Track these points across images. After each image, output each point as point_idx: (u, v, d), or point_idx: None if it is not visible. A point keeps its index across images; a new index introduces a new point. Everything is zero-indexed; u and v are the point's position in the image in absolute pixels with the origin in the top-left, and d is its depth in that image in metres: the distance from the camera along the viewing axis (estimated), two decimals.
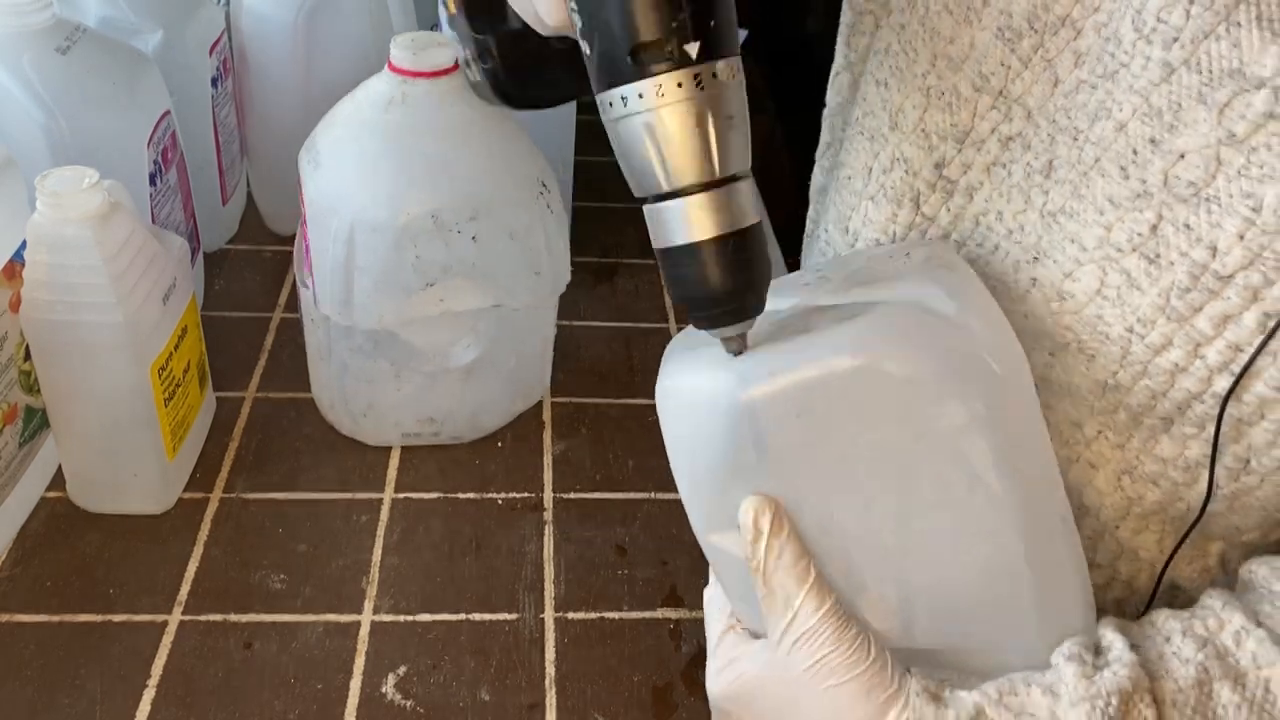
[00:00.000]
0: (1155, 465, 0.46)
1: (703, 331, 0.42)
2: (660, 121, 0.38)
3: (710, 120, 0.38)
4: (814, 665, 0.42)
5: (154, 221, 0.75)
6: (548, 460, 0.77)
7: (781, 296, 0.46)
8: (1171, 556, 0.50)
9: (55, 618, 0.62)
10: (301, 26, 0.84)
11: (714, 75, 0.38)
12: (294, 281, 0.90)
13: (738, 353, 0.42)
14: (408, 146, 0.65)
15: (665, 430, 0.45)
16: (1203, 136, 0.39)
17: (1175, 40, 0.39)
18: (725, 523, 0.44)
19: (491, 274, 0.69)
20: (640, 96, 0.38)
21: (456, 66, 0.66)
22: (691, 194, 0.39)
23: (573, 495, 0.74)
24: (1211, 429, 0.43)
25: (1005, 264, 0.48)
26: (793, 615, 0.43)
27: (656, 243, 0.41)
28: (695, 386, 0.43)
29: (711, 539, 0.45)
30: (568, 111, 0.97)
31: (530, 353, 0.78)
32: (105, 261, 0.59)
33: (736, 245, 0.39)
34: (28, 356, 0.63)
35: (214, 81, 0.85)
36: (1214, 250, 0.39)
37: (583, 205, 0.98)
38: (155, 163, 0.74)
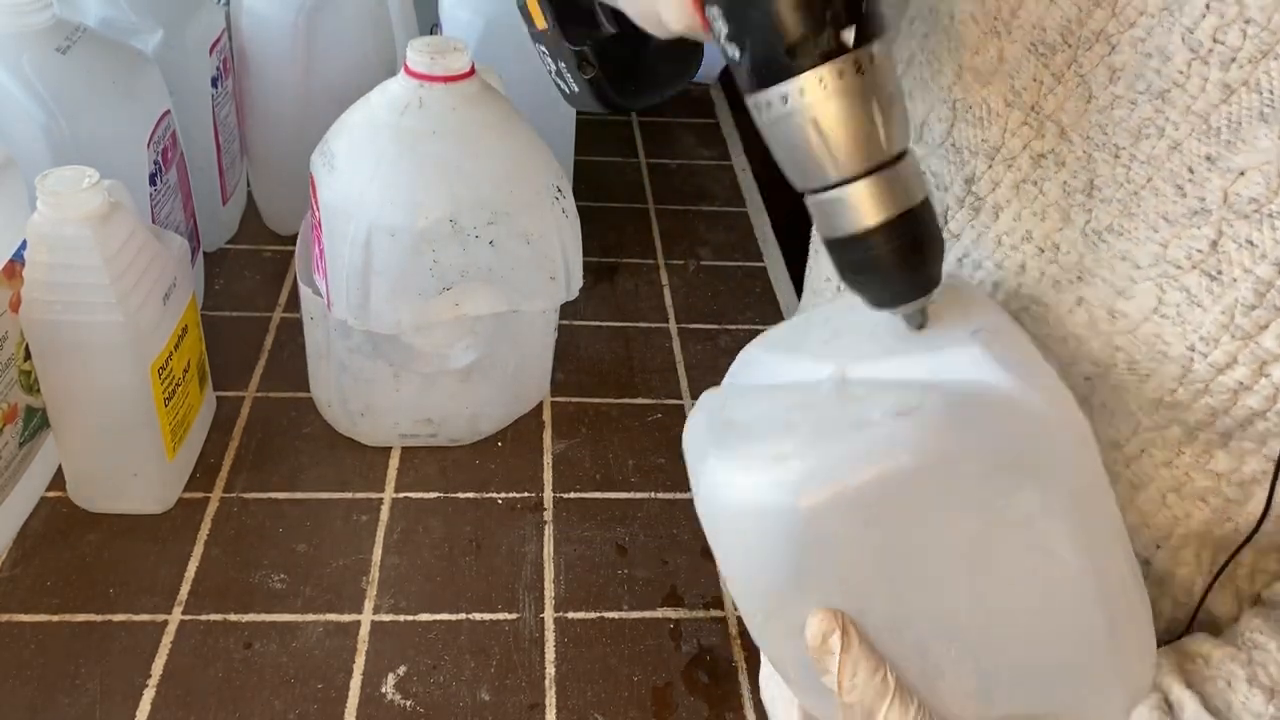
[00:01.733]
0: (1208, 480, 0.45)
1: (718, 403, 0.42)
2: (826, 114, 0.37)
3: (875, 103, 0.37)
4: None
5: (154, 221, 0.75)
6: (548, 460, 0.77)
7: (801, 356, 0.44)
8: (1215, 578, 0.49)
9: (55, 617, 0.62)
10: (301, 26, 0.84)
11: (871, 59, 0.36)
12: (294, 281, 0.90)
13: (920, 326, 0.41)
14: (425, 150, 0.65)
15: (712, 538, 0.42)
16: (1263, 153, 0.38)
17: (1233, 60, 0.38)
18: (790, 631, 0.41)
19: (508, 278, 0.69)
20: (802, 93, 0.37)
21: (473, 71, 0.66)
22: (858, 180, 0.38)
23: (573, 495, 0.74)
24: (1273, 444, 0.42)
25: (1041, 284, 0.47)
26: None
27: (825, 233, 0.40)
28: (744, 494, 0.39)
29: (776, 648, 0.43)
30: (567, 112, 0.97)
31: (530, 356, 0.78)
32: (105, 261, 0.59)
33: (910, 224, 0.38)
34: (28, 356, 0.63)
35: (214, 81, 0.85)
36: (1279, 267, 0.39)
37: (583, 205, 0.97)
38: (155, 163, 0.74)
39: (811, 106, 0.37)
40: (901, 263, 0.39)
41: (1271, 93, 0.38)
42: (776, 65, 0.37)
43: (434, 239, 0.65)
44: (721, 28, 0.38)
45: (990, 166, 0.48)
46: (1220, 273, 0.40)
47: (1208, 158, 0.40)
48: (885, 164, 0.38)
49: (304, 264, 0.73)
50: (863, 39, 0.36)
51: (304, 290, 0.71)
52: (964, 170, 0.49)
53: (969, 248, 0.50)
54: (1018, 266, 0.48)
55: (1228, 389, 0.42)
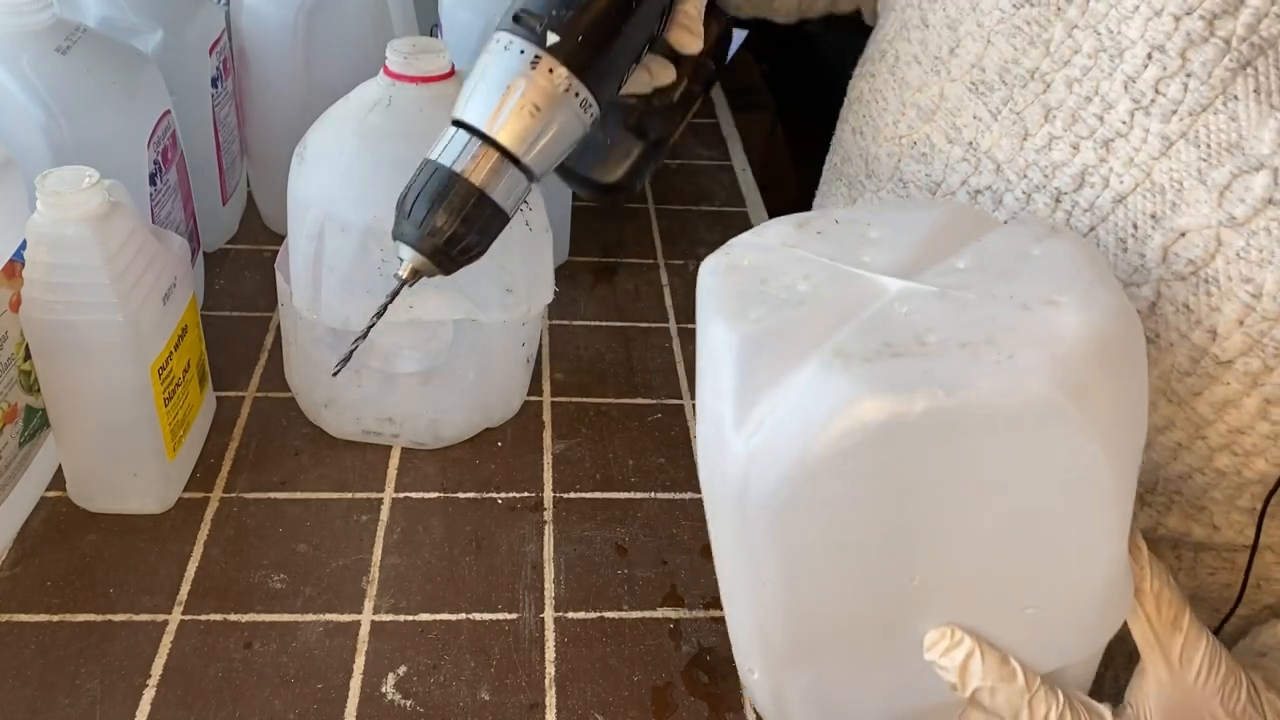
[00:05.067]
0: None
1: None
2: (485, 66, 0.47)
3: (515, 96, 0.46)
4: None
5: (154, 221, 0.75)
6: (548, 460, 0.77)
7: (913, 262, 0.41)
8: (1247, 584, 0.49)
9: (55, 618, 0.62)
10: (301, 26, 0.84)
11: (550, 70, 0.45)
12: None
13: (396, 276, 0.51)
14: (384, 149, 0.64)
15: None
16: (1204, 216, 0.39)
17: (1174, 113, 0.39)
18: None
19: (459, 286, 0.67)
20: (496, 42, 0.46)
21: (451, 74, 0.66)
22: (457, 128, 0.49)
23: (573, 495, 0.74)
24: (1213, 493, 0.43)
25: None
26: None
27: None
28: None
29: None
30: None
31: (494, 367, 0.75)
32: (105, 261, 0.59)
33: (435, 181, 0.49)
34: (28, 356, 0.63)
35: (214, 81, 0.85)
36: (1214, 334, 0.39)
37: (583, 205, 0.98)
38: (155, 163, 0.74)
39: (487, 55, 0.49)
40: (417, 205, 0.50)
41: (1210, 147, 0.38)
42: (505, 15, 0.47)
43: (382, 237, 0.64)
44: None
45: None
46: (1158, 336, 0.41)
47: (1152, 215, 0.40)
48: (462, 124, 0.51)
49: (284, 252, 0.74)
50: (558, 53, 0.45)
51: (278, 276, 0.72)
52: None
53: None
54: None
55: (1168, 447, 0.42)
